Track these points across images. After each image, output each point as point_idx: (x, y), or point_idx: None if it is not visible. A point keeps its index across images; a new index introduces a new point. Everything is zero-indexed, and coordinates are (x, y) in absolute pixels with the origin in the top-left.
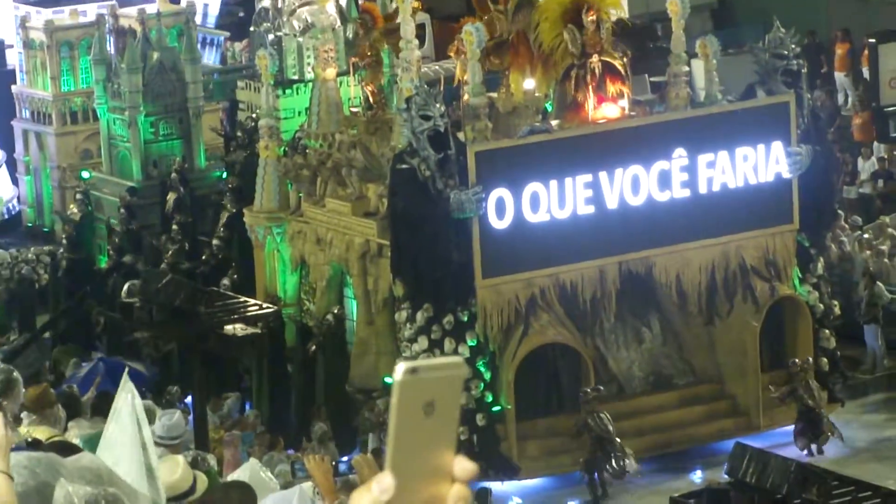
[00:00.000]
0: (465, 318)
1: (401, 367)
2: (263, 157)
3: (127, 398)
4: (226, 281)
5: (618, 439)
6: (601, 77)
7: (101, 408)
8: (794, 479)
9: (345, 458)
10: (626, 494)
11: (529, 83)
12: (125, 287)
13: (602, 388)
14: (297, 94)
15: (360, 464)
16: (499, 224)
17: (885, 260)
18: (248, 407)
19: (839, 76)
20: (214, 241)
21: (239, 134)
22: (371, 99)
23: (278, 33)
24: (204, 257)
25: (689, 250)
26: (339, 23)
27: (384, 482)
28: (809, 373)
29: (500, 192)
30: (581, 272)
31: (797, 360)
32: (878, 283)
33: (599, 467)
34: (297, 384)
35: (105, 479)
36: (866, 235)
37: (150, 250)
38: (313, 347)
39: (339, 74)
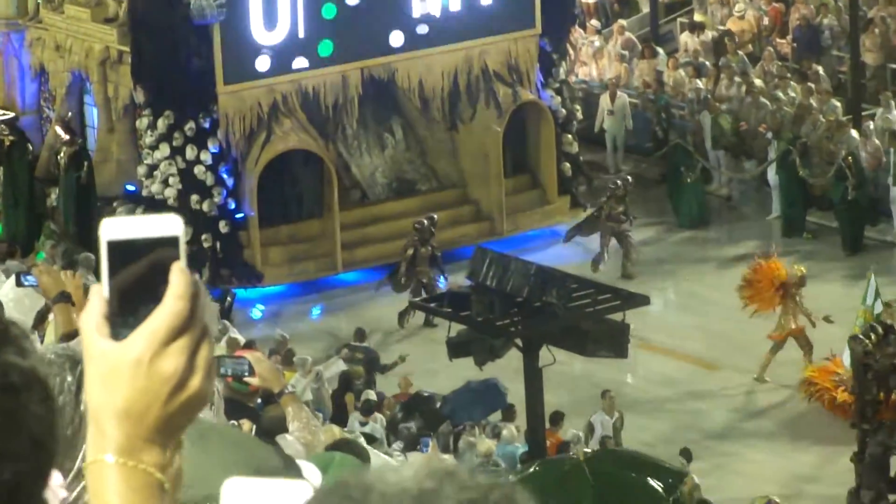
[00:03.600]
0: (207, 125)
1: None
2: None
3: None
4: None
5: None
6: None
7: None
8: (533, 282)
9: None
10: (369, 301)
11: None
12: None
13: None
14: None
15: (40, 271)
16: (240, 30)
17: (624, 63)
18: None
19: None
20: None
21: None
22: None
23: None
24: None
25: (432, 56)
26: None
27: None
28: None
29: None
30: (323, 78)
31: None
32: (619, 89)
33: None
34: (39, 192)
35: None
36: (598, 43)
37: None
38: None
39: None
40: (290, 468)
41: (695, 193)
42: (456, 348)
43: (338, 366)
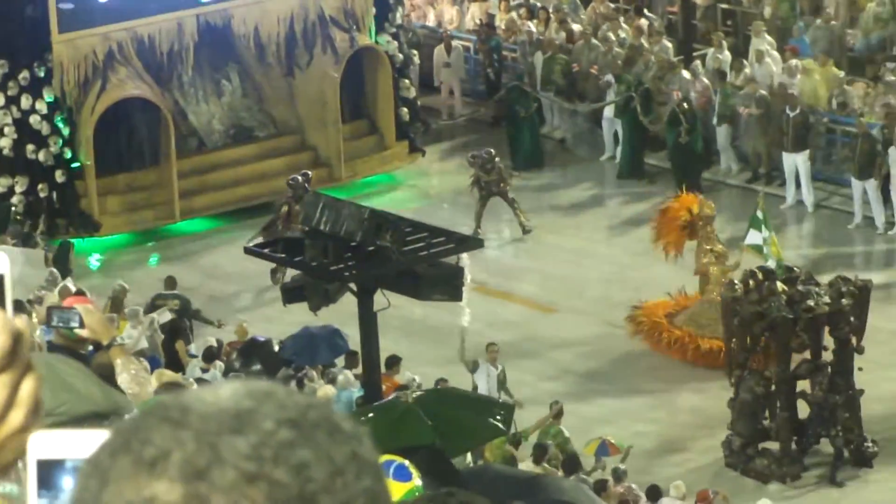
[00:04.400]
0: (42, 74)
1: None
2: None
3: None
4: None
5: None
6: None
7: None
8: (367, 226)
9: None
10: (205, 249)
11: None
12: None
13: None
14: None
15: None
16: None
17: (456, 6)
18: None
19: None
20: None
21: None
22: None
23: None
24: None
25: (268, 1)
26: None
27: None
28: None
29: None
30: (158, 25)
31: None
32: (453, 38)
33: None
34: None
35: None
36: None
37: None
38: None
39: None
40: (117, 415)
41: (531, 135)
42: (290, 293)
43: (167, 314)
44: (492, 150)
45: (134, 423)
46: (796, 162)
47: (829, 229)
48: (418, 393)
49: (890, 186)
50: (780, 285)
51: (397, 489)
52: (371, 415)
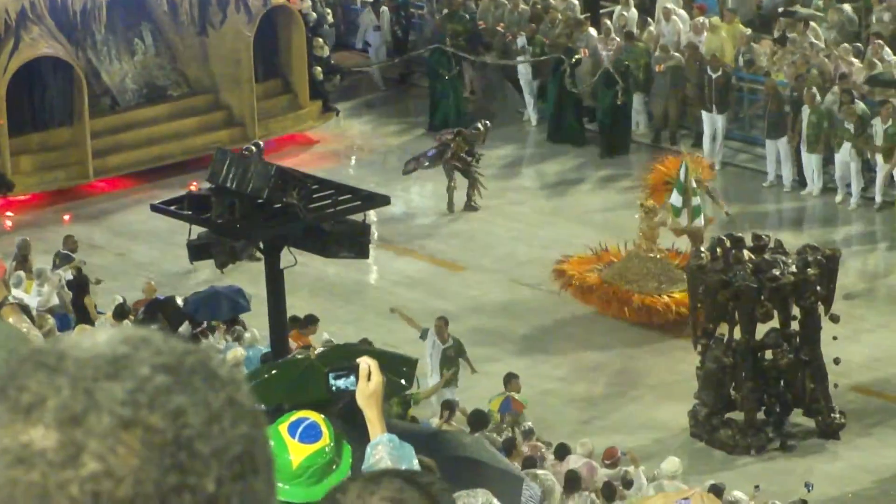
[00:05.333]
0: None
1: None
2: None
3: None
4: None
5: None
6: None
7: None
8: (274, 183)
9: None
10: (120, 208)
11: None
12: None
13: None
14: None
15: None
16: None
17: None
18: None
19: None
20: None
21: None
22: None
23: None
24: None
25: None
26: None
27: None
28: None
29: None
30: None
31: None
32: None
33: None
34: None
35: None
36: None
37: None
38: None
39: None
40: None
41: (454, 97)
42: (196, 251)
43: (69, 273)
44: (488, 123)
45: (10, 369)
46: (715, 121)
47: (737, 186)
48: (323, 348)
49: (801, 146)
50: (746, 254)
51: (301, 451)
52: (274, 371)
